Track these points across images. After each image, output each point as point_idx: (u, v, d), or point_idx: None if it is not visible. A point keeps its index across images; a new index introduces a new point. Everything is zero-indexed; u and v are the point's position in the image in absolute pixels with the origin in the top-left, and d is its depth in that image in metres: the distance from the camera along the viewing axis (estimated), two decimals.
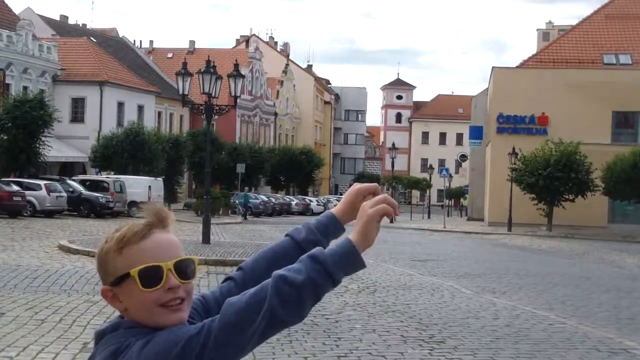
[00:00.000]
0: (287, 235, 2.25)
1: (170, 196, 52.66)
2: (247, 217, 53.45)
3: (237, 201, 56.56)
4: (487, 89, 66.73)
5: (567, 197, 47.11)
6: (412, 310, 13.43)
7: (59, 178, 44.64)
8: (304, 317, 1.95)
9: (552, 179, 45.92)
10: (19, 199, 36.09)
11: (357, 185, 2.25)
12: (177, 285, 1.94)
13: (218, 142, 59.26)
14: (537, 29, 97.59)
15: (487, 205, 58.84)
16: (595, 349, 10.62)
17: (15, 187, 36.72)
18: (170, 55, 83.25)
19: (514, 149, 49.32)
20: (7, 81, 51.82)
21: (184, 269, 1.97)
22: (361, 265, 2.00)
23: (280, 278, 1.90)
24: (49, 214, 38.10)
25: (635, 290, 18.50)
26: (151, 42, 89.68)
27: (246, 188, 65.17)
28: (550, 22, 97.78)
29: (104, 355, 1.93)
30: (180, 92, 25.97)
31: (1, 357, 8.50)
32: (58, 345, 9.18)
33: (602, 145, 50.97)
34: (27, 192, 36.91)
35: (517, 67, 61.78)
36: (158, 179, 47.34)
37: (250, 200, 59.68)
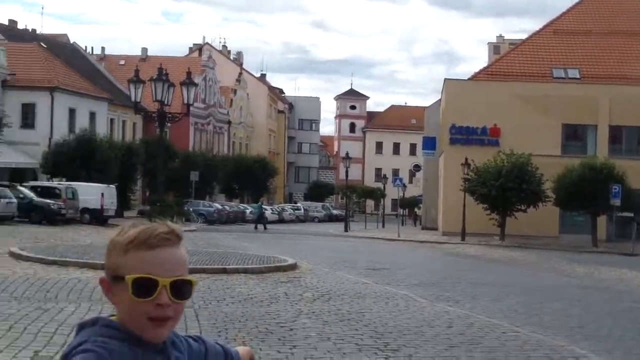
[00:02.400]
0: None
1: (123, 203, 52.17)
2: (266, 227, 54.82)
3: (250, 211, 62.34)
4: (439, 100, 67.25)
5: (519, 207, 47.62)
6: (367, 318, 13.44)
7: (8, 184, 43.95)
8: None
9: (504, 190, 46.39)
10: None
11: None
12: (168, 304, 1.95)
13: (171, 149, 58.91)
14: (489, 42, 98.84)
15: (441, 214, 59.23)
16: (547, 357, 10.73)
17: None
18: (122, 62, 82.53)
19: (466, 159, 49.74)
20: None
21: (180, 289, 1.98)
22: None
23: None
24: None
25: (584, 298, 18.75)
26: (103, 48, 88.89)
27: (261, 199, 66.71)
28: (500, 36, 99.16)
29: (67, 347, 1.97)
30: (133, 99, 25.81)
31: None
32: (8, 354, 9.03)
33: (552, 157, 51.58)
34: None
35: (469, 79, 62.31)
36: (111, 186, 46.85)
37: (204, 208, 59.75)
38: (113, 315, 2.04)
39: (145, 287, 1.94)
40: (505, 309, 15.79)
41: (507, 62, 60.96)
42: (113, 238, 2.02)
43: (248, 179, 77.75)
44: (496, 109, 54.69)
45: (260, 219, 57.10)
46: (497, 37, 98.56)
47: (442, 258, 33.22)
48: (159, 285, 1.94)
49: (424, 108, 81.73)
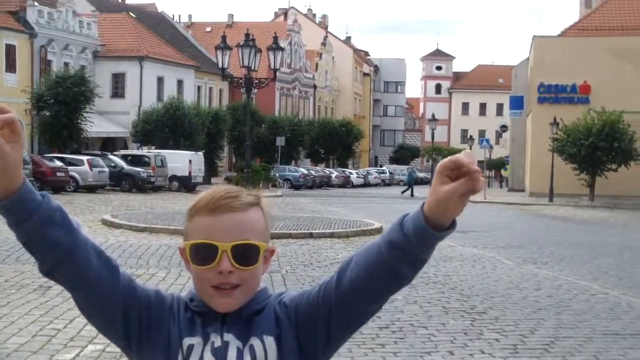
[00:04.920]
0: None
1: (210, 170, 52.97)
2: (413, 194, 54.14)
3: (403, 176, 60.17)
4: (527, 58, 65.98)
5: (609, 167, 46.56)
6: (454, 281, 13.42)
7: (100, 153, 45.12)
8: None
9: (594, 149, 45.39)
10: (62, 174, 36.58)
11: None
12: (228, 269, 1.82)
13: (258, 115, 59.46)
14: None
15: (528, 176, 58.39)
16: None
17: (59, 163, 37.22)
18: (209, 29, 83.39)
19: (555, 118, 48.78)
20: (48, 58, 52.32)
21: (244, 254, 1.84)
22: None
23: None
24: (91, 189, 38.57)
25: None
26: (190, 16, 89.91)
27: (412, 165, 65.90)
28: None
29: None
30: (220, 65, 26.05)
31: (49, 329, 8.66)
32: None
33: None
34: (70, 168, 37.40)
35: (558, 35, 60.92)
36: (198, 152, 47.60)
37: (290, 173, 60.27)
38: None
39: (204, 253, 1.83)
40: (594, 271, 15.53)
41: (600, 15, 59.39)
42: (188, 206, 1.96)
43: (334, 143, 77.95)
44: (587, 65, 53.34)
45: (410, 185, 56.08)
46: None
47: (530, 220, 32.78)
48: (219, 250, 1.82)
49: (511, 67, 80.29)
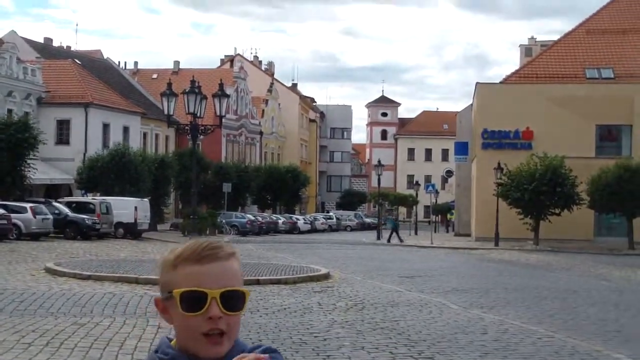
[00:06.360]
0: None
1: (157, 216, 52.49)
2: (402, 239, 54.05)
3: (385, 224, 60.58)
4: (471, 104, 67.04)
5: (553, 211, 47.29)
6: (401, 326, 13.43)
7: (44, 200, 44.43)
8: None
9: (537, 193, 46.10)
10: (5, 222, 35.85)
11: None
12: (218, 316, 1.92)
13: (204, 161, 59.24)
14: (520, 45, 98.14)
15: (474, 220, 58.96)
16: None
17: (1, 210, 36.49)
18: (155, 76, 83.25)
19: (499, 163, 49.50)
20: None
21: (231, 300, 1.94)
22: None
23: None
24: (35, 236, 37.88)
25: (622, 302, 18.56)
26: (136, 63, 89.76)
27: (395, 213, 65.59)
28: (532, 38, 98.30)
29: None
30: (166, 112, 26.09)
31: None
32: None
33: (586, 159, 51.21)
34: (12, 215, 36.70)
35: (500, 82, 62.08)
36: (144, 199, 47.16)
37: (237, 220, 60.02)
38: (172, 340, 2.03)
39: (194, 300, 1.92)
40: (540, 314, 15.69)
41: (539, 64, 60.67)
42: (164, 256, 2.03)
43: (280, 189, 77.92)
44: (528, 111, 54.42)
45: (394, 232, 55.91)
46: (528, 39, 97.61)
47: (476, 264, 33.04)
48: (208, 297, 1.91)
49: (455, 113, 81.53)
